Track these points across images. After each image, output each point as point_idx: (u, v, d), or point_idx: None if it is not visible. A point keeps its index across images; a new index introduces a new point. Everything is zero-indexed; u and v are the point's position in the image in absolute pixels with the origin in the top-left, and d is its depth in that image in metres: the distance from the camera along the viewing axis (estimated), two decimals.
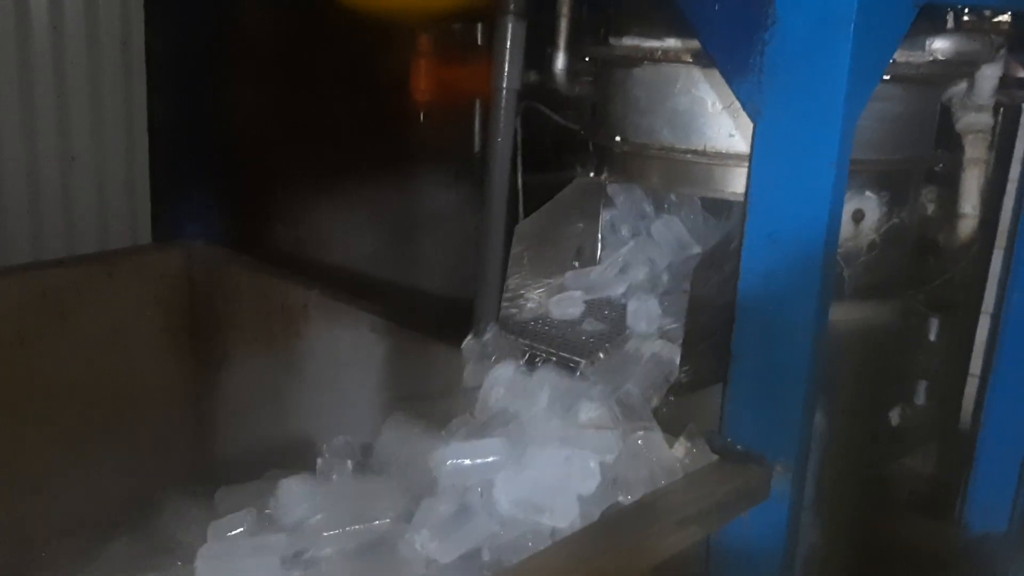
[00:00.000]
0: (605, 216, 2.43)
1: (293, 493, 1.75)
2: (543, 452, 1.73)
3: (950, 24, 2.06)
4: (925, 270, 2.40)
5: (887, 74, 1.94)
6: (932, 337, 2.65)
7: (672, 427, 1.87)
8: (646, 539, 1.65)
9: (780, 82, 1.73)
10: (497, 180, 2.40)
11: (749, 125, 1.83)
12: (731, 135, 2.05)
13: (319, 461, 1.92)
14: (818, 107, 1.68)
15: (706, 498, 1.74)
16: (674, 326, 2.15)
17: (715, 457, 1.83)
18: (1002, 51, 2.13)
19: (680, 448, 1.83)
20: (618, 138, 2.24)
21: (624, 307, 2.28)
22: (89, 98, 3.30)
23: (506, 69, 2.36)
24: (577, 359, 2.11)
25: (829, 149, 1.69)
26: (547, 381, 1.92)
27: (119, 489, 2.81)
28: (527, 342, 2.22)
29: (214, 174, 3.54)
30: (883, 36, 1.71)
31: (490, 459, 1.73)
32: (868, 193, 2.07)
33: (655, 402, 1.91)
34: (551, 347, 2.20)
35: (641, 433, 1.79)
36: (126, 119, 3.40)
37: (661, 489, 1.75)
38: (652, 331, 2.16)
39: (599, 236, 2.43)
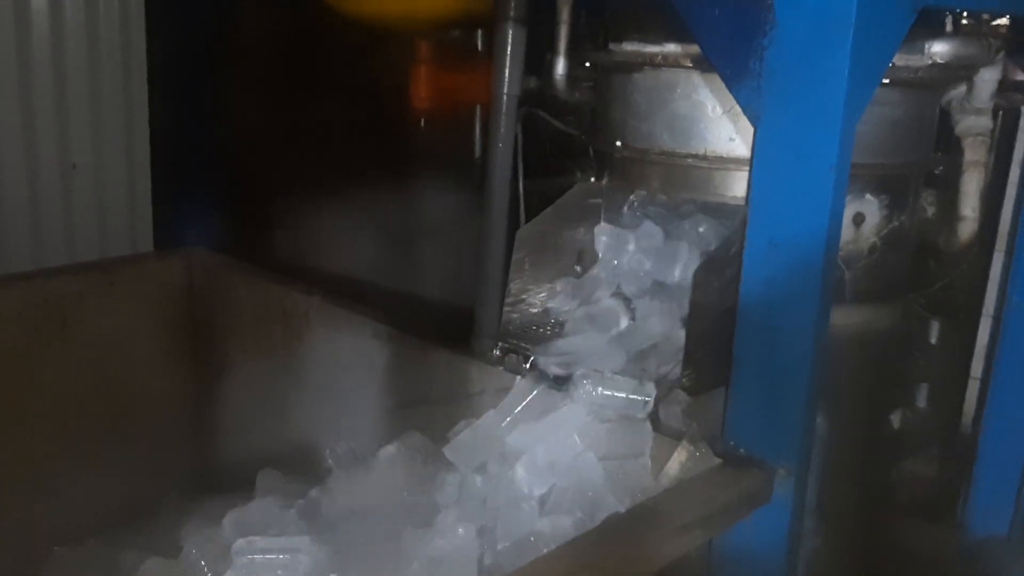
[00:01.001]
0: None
1: None
2: None
3: (948, 28, 2.07)
4: (925, 273, 2.40)
5: (886, 78, 1.95)
6: (933, 340, 2.65)
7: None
8: (648, 544, 1.64)
9: (779, 86, 1.73)
10: (497, 186, 2.40)
11: (749, 129, 1.83)
12: (731, 139, 2.05)
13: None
14: (818, 110, 1.69)
15: (708, 502, 1.74)
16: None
17: (717, 461, 1.83)
18: (1000, 54, 2.13)
19: (682, 452, 1.83)
20: (618, 143, 2.24)
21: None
22: (89, 105, 3.30)
23: (506, 75, 2.36)
24: None
25: (829, 152, 1.69)
26: None
27: (120, 495, 2.81)
28: (529, 347, 2.23)
29: (215, 181, 3.54)
30: (882, 39, 1.72)
31: None
32: (868, 196, 2.08)
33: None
34: None
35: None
36: (127, 126, 3.41)
37: (663, 493, 1.75)
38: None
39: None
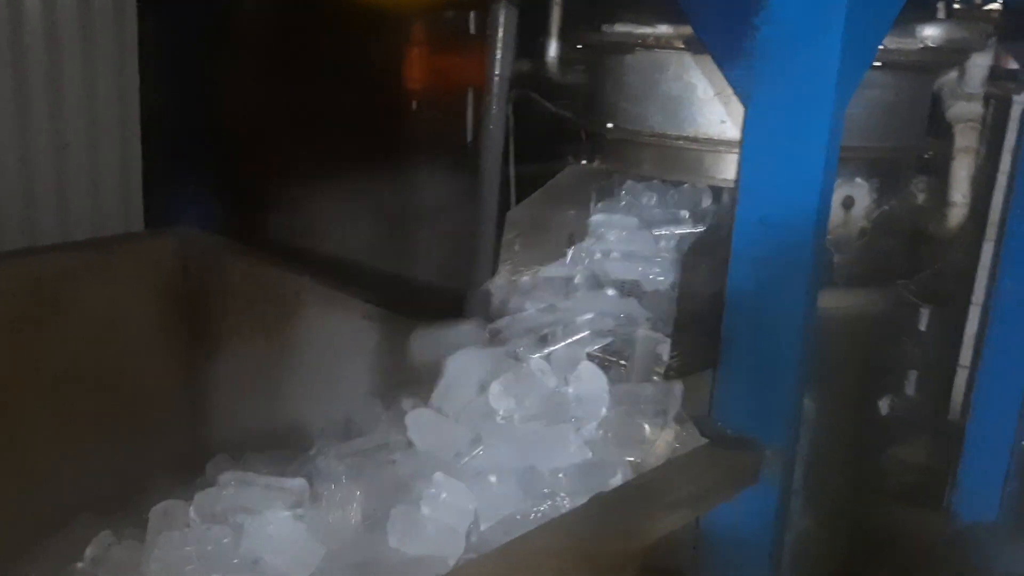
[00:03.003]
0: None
1: None
2: None
3: (941, 12, 2.07)
4: (915, 260, 2.40)
5: (878, 61, 1.95)
6: (922, 328, 2.66)
7: None
8: (636, 521, 1.65)
9: (771, 67, 1.73)
10: (489, 166, 2.41)
11: (740, 111, 1.83)
12: (722, 121, 2.05)
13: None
14: (809, 91, 1.69)
15: (696, 481, 1.75)
16: None
17: (704, 441, 1.83)
18: (992, 40, 2.13)
19: (669, 432, 1.84)
20: (610, 125, 2.24)
21: None
22: (82, 85, 3.30)
23: (498, 55, 2.36)
24: None
25: (819, 133, 1.70)
26: None
27: (112, 475, 2.81)
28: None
29: (207, 162, 3.53)
30: (874, 20, 1.72)
31: None
32: (858, 180, 2.08)
33: None
34: None
35: None
36: (119, 106, 3.40)
37: (651, 472, 1.75)
38: None
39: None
